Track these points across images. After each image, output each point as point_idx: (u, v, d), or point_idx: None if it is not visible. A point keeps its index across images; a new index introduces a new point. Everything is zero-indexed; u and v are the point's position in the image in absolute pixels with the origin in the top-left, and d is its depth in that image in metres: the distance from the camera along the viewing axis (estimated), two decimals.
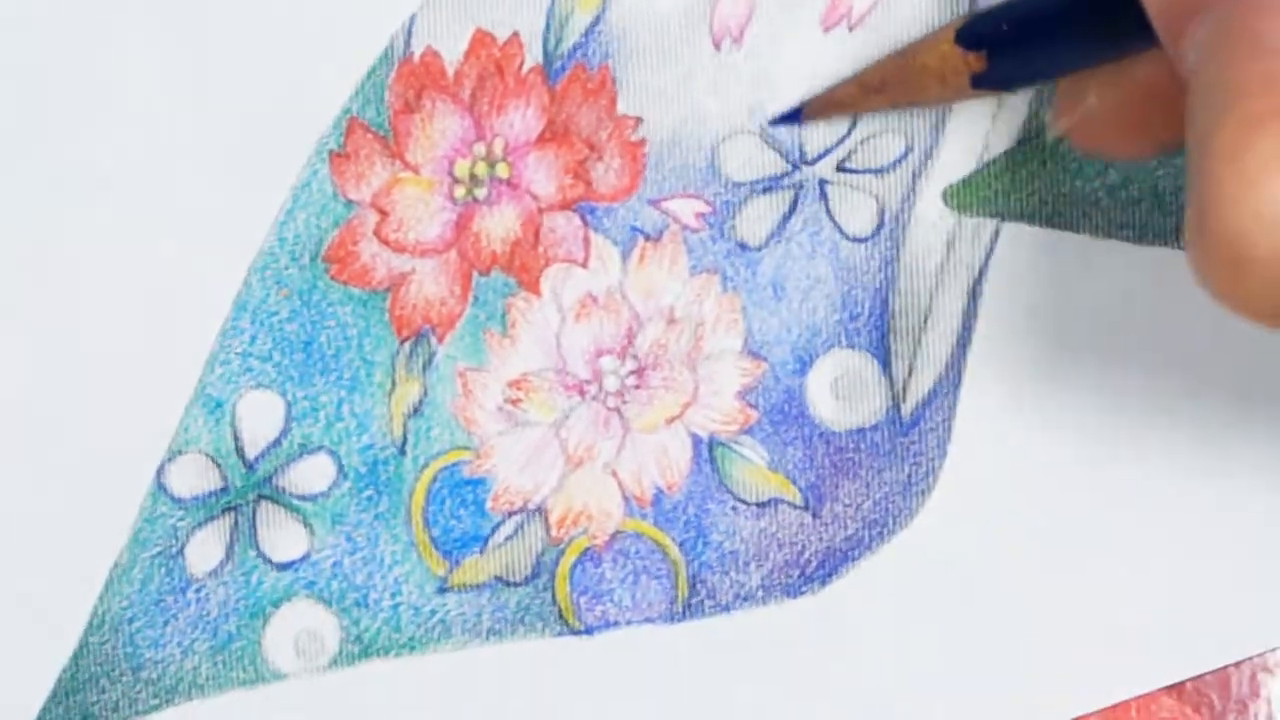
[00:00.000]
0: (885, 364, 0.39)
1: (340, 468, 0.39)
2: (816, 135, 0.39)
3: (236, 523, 0.39)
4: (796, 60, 0.39)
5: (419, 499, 0.39)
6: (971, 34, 0.35)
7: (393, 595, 0.39)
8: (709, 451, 0.39)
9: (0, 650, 0.39)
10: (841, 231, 0.39)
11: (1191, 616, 0.39)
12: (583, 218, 0.39)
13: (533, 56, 0.39)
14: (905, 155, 0.39)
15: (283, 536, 0.39)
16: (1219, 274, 0.27)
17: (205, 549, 0.39)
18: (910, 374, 0.39)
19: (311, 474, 0.39)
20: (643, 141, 0.39)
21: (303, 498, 0.39)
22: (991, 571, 0.39)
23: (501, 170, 0.39)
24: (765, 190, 0.39)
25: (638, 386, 0.39)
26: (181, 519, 0.39)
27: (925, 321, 0.39)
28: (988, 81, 0.35)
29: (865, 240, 0.39)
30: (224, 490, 0.39)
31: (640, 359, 0.39)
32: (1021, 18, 0.34)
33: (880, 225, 0.39)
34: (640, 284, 0.39)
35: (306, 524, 0.39)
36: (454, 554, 0.39)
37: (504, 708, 0.39)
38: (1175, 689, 0.39)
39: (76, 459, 0.39)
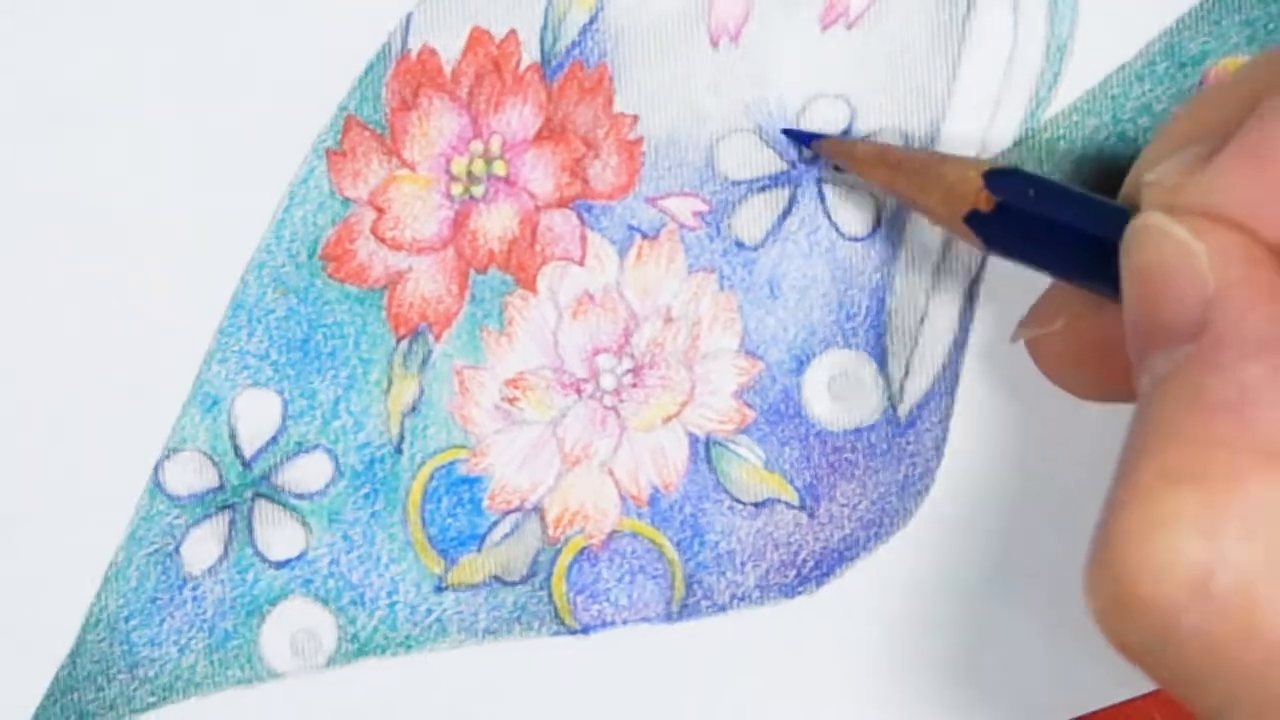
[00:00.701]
0: (882, 364, 0.39)
1: (337, 466, 0.39)
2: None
3: (233, 521, 0.39)
4: (794, 59, 0.39)
5: (416, 497, 0.39)
6: (1000, 179, 0.35)
7: (389, 594, 0.39)
8: (706, 451, 0.39)
9: None
10: (839, 231, 0.39)
11: None
12: (580, 216, 0.39)
13: (530, 54, 0.39)
14: None
15: (279, 535, 0.39)
16: (1102, 603, 0.28)
17: (202, 547, 0.39)
18: (907, 374, 0.39)
19: (308, 472, 0.39)
20: (640, 140, 0.39)
21: (299, 496, 0.39)
22: (988, 571, 0.39)
23: (499, 168, 0.39)
24: (763, 189, 0.39)
25: (635, 385, 0.39)
26: (178, 517, 0.39)
27: (922, 322, 0.39)
28: (979, 224, 0.35)
29: (862, 240, 0.39)
30: (220, 488, 0.39)
31: (637, 358, 0.39)
32: (1047, 198, 0.34)
33: (877, 225, 0.39)
34: (637, 282, 0.39)
35: (303, 522, 0.39)
36: (451, 553, 0.39)
37: (500, 707, 0.39)
38: None
39: (73, 457, 0.39)
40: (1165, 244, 0.30)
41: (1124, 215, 0.32)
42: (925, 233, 0.39)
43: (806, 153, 0.39)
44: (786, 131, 0.38)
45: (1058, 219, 0.34)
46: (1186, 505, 0.27)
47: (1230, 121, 0.31)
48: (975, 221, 0.35)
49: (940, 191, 0.35)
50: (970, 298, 0.39)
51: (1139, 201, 0.32)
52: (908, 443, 0.39)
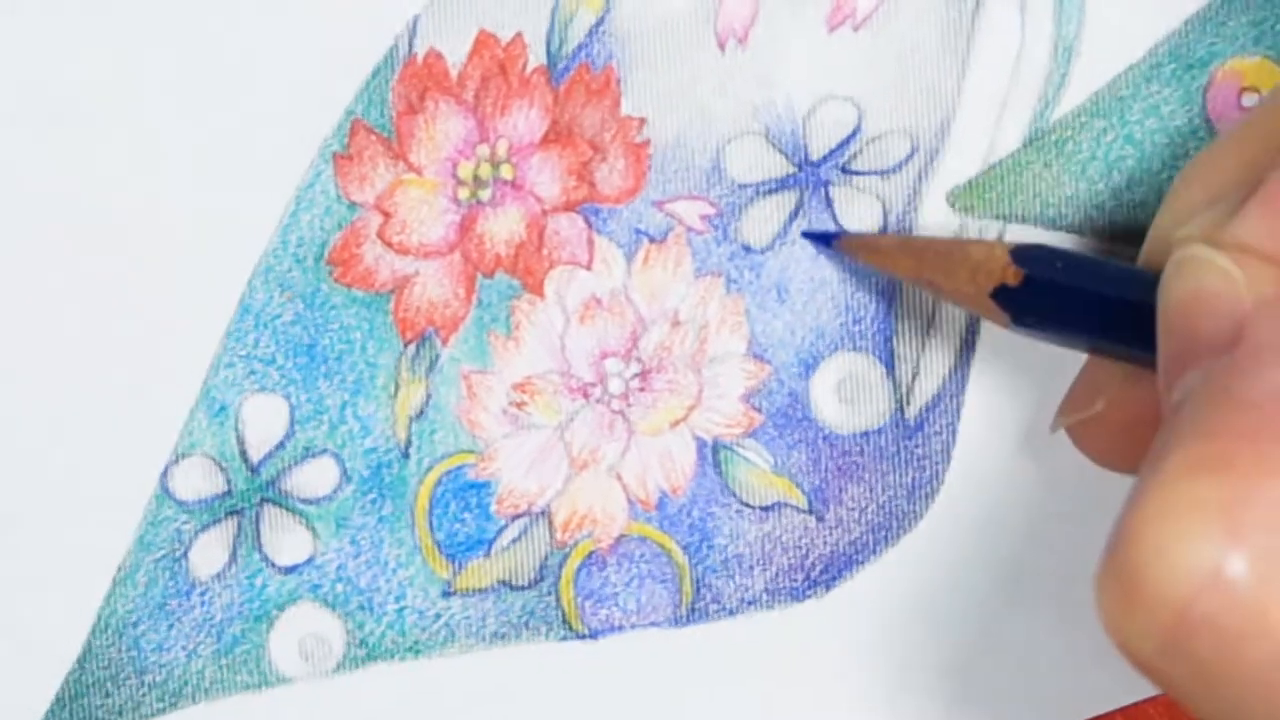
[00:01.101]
0: (890, 367, 0.39)
1: (344, 471, 0.39)
2: (821, 137, 0.38)
3: (240, 526, 0.39)
4: (801, 61, 0.38)
5: (423, 502, 0.39)
6: (1026, 254, 0.35)
7: (397, 599, 0.39)
8: (713, 454, 0.39)
9: (5, 654, 0.39)
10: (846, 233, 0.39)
11: None
12: (586, 220, 0.39)
13: (536, 57, 0.38)
14: (910, 157, 0.38)
15: (287, 540, 0.39)
16: (1110, 598, 0.27)
17: (209, 552, 0.39)
18: (915, 377, 0.39)
19: (315, 477, 0.39)
20: (647, 143, 0.39)
21: (307, 501, 0.39)
22: (997, 574, 0.39)
23: (505, 172, 0.39)
24: (770, 192, 0.39)
25: (642, 389, 0.39)
26: (185, 522, 0.39)
27: (930, 324, 0.39)
28: (1008, 300, 0.35)
29: None
30: (228, 493, 0.39)
31: (644, 361, 0.39)
32: (1075, 270, 0.35)
33: (884, 228, 0.39)
34: (644, 286, 0.39)
35: (310, 527, 0.39)
36: (458, 557, 0.39)
37: (508, 712, 0.39)
38: None
39: (81, 462, 0.39)
40: (1205, 271, 0.30)
41: (1152, 281, 0.32)
42: (932, 234, 0.39)
43: (813, 155, 0.39)
44: (806, 234, 0.38)
45: (1087, 288, 0.34)
46: (1208, 493, 0.27)
47: (1244, 178, 0.31)
48: (1003, 298, 0.35)
49: (967, 270, 0.35)
50: None
51: (1161, 263, 0.32)
52: (916, 446, 0.39)
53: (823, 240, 0.38)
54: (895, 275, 0.38)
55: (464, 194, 0.39)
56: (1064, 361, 0.38)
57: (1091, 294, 0.34)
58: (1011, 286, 0.35)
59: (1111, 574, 0.27)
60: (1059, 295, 0.34)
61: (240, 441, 0.39)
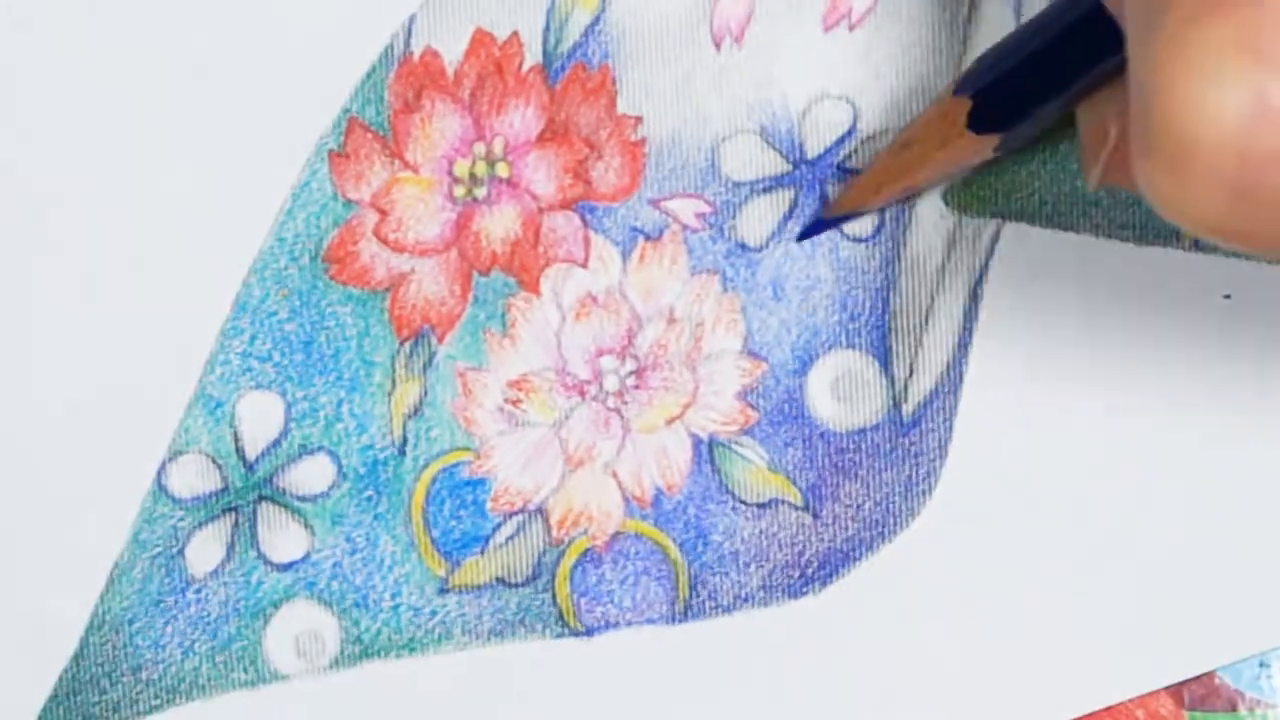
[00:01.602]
0: (885, 364, 0.39)
1: (340, 468, 0.39)
2: (817, 136, 0.39)
3: (237, 523, 0.39)
4: (797, 60, 0.39)
5: (419, 500, 0.39)
6: (966, 81, 0.35)
7: (393, 596, 0.39)
8: (709, 452, 0.39)
9: (1, 650, 0.39)
10: (842, 232, 0.39)
11: (1191, 616, 0.39)
12: (583, 217, 0.39)
13: (532, 56, 0.39)
14: None
15: (283, 537, 0.39)
16: (1163, 178, 0.26)
17: (205, 549, 0.39)
18: (911, 374, 0.39)
19: (311, 474, 0.39)
20: (643, 141, 0.39)
21: (303, 498, 0.39)
22: (992, 572, 0.39)
23: (501, 170, 0.39)
24: (766, 190, 0.39)
25: (638, 387, 0.39)
26: (182, 519, 0.39)
27: (926, 322, 0.39)
28: (981, 121, 0.35)
29: (865, 241, 0.39)
30: (224, 491, 0.39)
31: (640, 359, 0.39)
32: (1004, 54, 0.35)
33: (880, 226, 0.39)
34: (640, 284, 0.39)
35: (306, 525, 0.39)
36: (454, 555, 0.39)
37: (504, 709, 0.39)
38: (1175, 689, 0.39)
39: (77, 459, 0.39)
40: None
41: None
42: (928, 232, 0.39)
43: (809, 154, 0.39)
44: (802, 236, 0.39)
45: (1030, 48, 0.34)
46: (1218, 32, 0.25)
47: None
48: (978, 123, 0.35)
49: (936, 136, 0.35)
50: (974, 297, 0.39)
51: None
52: (912, 443, 0.39)
53: (815, 229, 0.39)
54: (886, 200, 0.38)
55: (460, 192, 0.39)
56: (1058, 364, 0.38)
57: (1039, 46, 0.34)
58: (976, 110, 0.35)
59: (1153, 151, 0.26)
60: (1011, 79, 0.34)
61: (236, 439, 0.39)
